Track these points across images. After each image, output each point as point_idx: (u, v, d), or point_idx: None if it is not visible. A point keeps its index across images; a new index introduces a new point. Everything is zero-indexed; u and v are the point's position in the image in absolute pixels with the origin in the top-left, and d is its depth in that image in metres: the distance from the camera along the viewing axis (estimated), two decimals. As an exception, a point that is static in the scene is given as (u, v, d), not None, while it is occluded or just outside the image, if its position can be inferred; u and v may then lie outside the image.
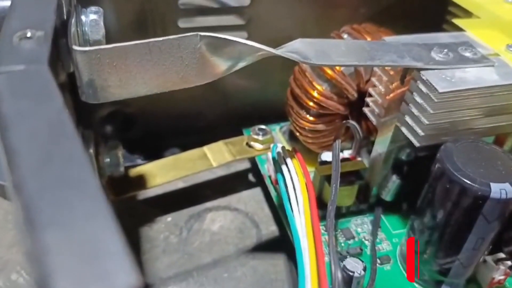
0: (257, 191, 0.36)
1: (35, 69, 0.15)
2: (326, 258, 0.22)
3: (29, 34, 0.17)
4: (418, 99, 0.25)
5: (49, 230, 0.10)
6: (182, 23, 0.32)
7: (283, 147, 0.28)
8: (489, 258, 0.26)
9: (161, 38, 0.20)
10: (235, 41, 0.22)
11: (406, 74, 0.26)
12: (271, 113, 0.36)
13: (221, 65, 0.23)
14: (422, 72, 0.24)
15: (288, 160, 0.26)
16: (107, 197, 0.28)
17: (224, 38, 0.22)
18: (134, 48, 0.20)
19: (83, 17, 0.23)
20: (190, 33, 0.21)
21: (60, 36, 0.21)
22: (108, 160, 0.29)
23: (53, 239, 0.10)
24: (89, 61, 0.20)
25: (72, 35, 0.21)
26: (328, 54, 0.23)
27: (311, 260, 0.20)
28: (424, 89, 0.24)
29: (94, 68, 0.20)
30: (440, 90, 0.23)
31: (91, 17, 0.23)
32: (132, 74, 0.21)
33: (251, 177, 0.37)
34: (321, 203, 0.28)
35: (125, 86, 0.21)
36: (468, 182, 0.23)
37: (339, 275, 0.20)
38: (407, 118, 0.26)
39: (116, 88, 0.21)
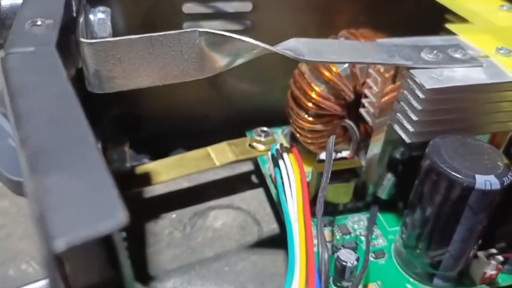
0: (259, 192, 0.37)
1: (43, 50, 0.16)
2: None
3: (39, 22, 0.18)
4: (407, 96, 0.26)
5: (48, 174, 0.12)
6: (186, 27, 0.34)
7: (281, 144, 0.29)
8: (481, 254, 0.27)
9: (162, 33, 0.22)
10: (232, 37, 0.23)
11: (397, 74, 0.27)
12: (274, 117, 0.37)
13: (219, 61, 0.24)
14: (411, 70, 0.25)
15: (285, 154, 0.27)
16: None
17: (222, 34, 0.23)
18: (137, 41, 0.22)
19: (91, 16, 0.25)
20: (190, 29, 0.22)
21: (70, 33, 0.23)
22: (115, 155, 0.30)
23: (51, 182, 0.12)
24: (95, 52, 0.21)
25: (80, 31, 0.23)
26: (321, 52, 0.25)
27: (300, 242, 0.22)
28: (412, 86, 0.25)
29: (99, 59, 0.21)
30: (427, 87, 0.24)
31: (99, 15, 0.25)
32: (136, 66, 0.22)
33: (254, 178, 0.39)
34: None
35: (129, 78, 0.22)
36: (454, 173, 0.24)
37: (326, 256, 0.21)
38: (399, 115, 0.27)
39: (121, 79, 0.22)
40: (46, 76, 0.15)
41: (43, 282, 0.26)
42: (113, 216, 0.11)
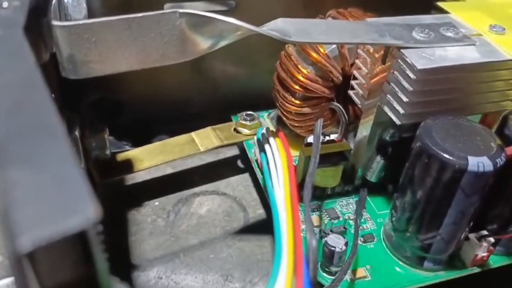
0: (245, 177, 0.36)
1: (10, 33, 0.15)
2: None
3: (5, 5, 0.17)
4: (398, 77, 0.25)
5: (12, 167, 0.11)
6: (168, 8, 0.32)
7: (267, 128, 0.28)
8: (472, 236, 0.27)
9: (140, 14, 0.21)
10: (215, 18, 0.22)
11: (387, 54, 0.26)
12: (260, 100, 0.36)
13: (202, 43, 0.23)
14: (402, 50, 0.25)
15: (271, 139, 0.26)
16: (92, 179, 0.28)
17: (204, 16, 0.22)
18: (114, 23, 0.20)
19: (65, -3, 0.23)
20: (170, 10, 0.21)
21: (42, 15, 0.22)
22: (94, 143, 0.29)
23: (15, 176, 0.11)
24: (69, 36, 0.20)
25: (53, 14, 0.22)
26: (308, 32, 0.24)
27: (288, 229, 0.21)
28: (403, 66, 0.24)
29: (74, 43, 0.20)
30: (419, 67, 0.24)
31: (73, -4, 0.23)
32: (112, 49, 0.21)
33: (240, 163, 0.38)
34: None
35: (106, 62, 0.21)
36: (446, 156, 0.23)
37: (314, 243, 0.20)
38: (389, 97, 0.26)
39: (97, 63, 0.21)
40: (11, 61, 0.14)
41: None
42: (83, 211, 0.10)
